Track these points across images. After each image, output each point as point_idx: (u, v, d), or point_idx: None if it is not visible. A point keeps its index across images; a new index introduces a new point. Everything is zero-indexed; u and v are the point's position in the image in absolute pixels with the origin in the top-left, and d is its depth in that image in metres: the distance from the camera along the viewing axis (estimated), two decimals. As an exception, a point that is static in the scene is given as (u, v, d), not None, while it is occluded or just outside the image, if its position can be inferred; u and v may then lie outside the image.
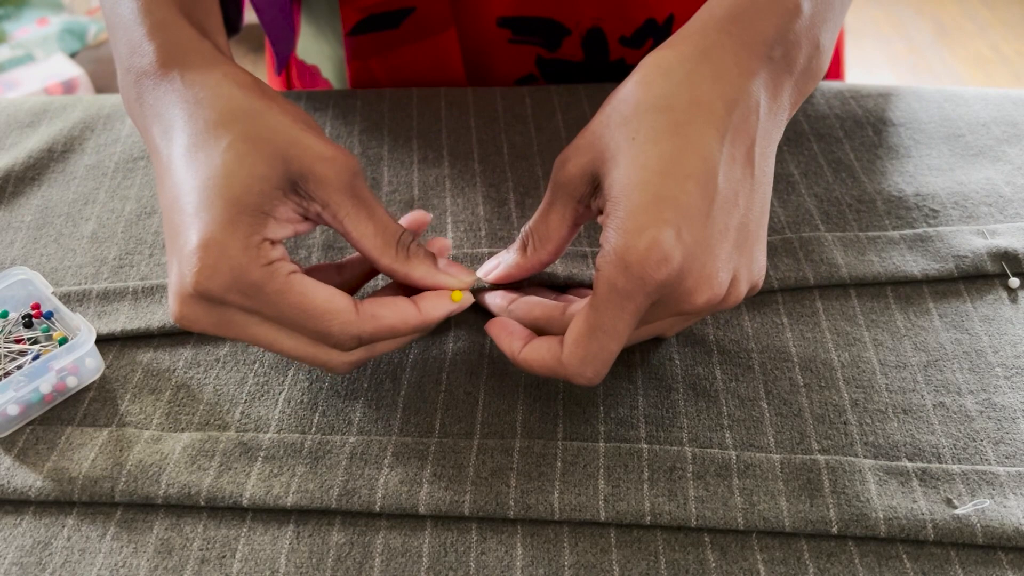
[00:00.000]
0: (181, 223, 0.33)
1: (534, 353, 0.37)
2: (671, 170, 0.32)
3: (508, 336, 0.38)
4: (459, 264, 0.39)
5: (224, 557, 0.35)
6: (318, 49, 0.65)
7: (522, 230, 0.39)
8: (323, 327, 0.34)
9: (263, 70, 0.75)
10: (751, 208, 0.34)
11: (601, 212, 0.34)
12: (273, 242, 0.34)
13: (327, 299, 0.34)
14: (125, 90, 0.38)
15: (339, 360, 0.36)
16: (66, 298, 0.45)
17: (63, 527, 0.36)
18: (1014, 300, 0.45)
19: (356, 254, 0.41)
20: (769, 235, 0.48)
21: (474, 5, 0.59)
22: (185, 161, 0.34)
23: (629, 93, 0.35)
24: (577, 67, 0.62)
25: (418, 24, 0.58)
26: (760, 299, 0.45)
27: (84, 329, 0.40)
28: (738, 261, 0.34)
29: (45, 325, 0.42)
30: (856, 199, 0.50)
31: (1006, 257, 0.46)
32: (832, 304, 0.45)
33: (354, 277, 0.41)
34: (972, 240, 0.47)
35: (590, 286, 0.42)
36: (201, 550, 0.36)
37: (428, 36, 0.59)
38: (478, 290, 0.40)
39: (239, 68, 0.37)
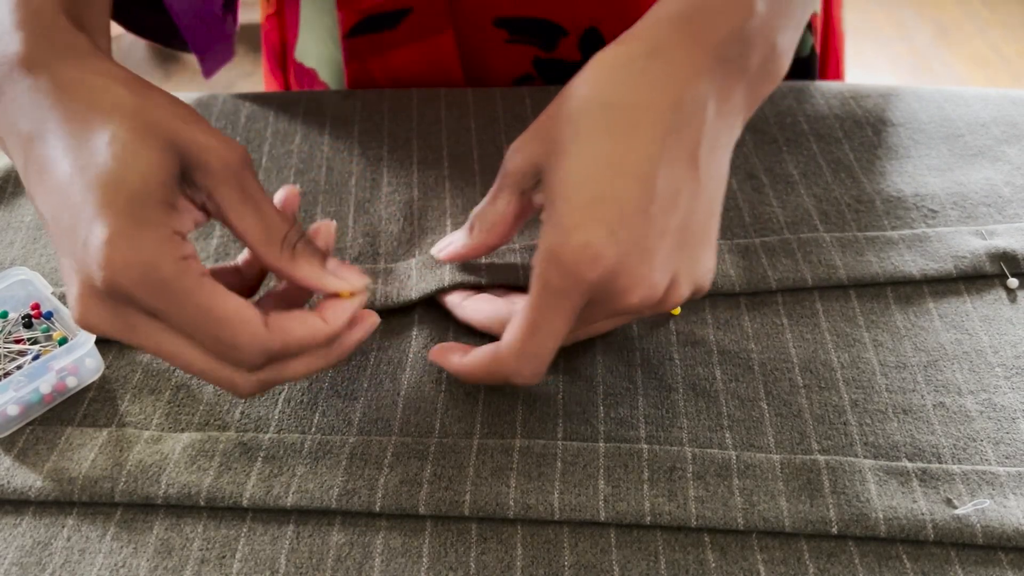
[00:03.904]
0: (79, 221, 0.31)
1: (474, 359, 0.37)
2: (610, 169, 0.32)
3: (448, 354, 0.39)
4: (351, 265, 0.37)
5: (224, 557, 0.35)
6: (316, 52, 0.65)
7: (471, 213, 0.40)
8: (230, 336, 0.31)
9: (262, 70, 0.75)
10: (694, 210, 0.34)
11: (543, 207, 0.34)
12: (183, 235, 0.32)
13: (237, 308, 0.32)
14: None
15: (245, 380, 0.34)
16: (66, 298, 0.45)
17: (63, 527, 0.37)
18: (1014, 300, 0.45)
19: (249, 255, 0.39)
20: (768, 235, 0.48)
21: (471, 5, 0.59)
22: (69, 159, 0.32)
23: (577, 89, 0.35)
24: (575, 68, 0.61)
25: (416, 25, 0.59)
26: (760, 300, 0.45)
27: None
28: (678, 263, 0.34)
29: (45, 325, 0.42)
30: (855, 199, 0.50)
31: (1004, 258, 0.46)
32: (832, 305, 0.45)
33: (252, 276, 0.39)
34: (971, 241, 0.47)
35: None
36: (201, 550, 0.36)
37: (426, 37, 0.59)
38: (439, 290, 0.42)
39: (114, 63, 0.35)
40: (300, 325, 0.34)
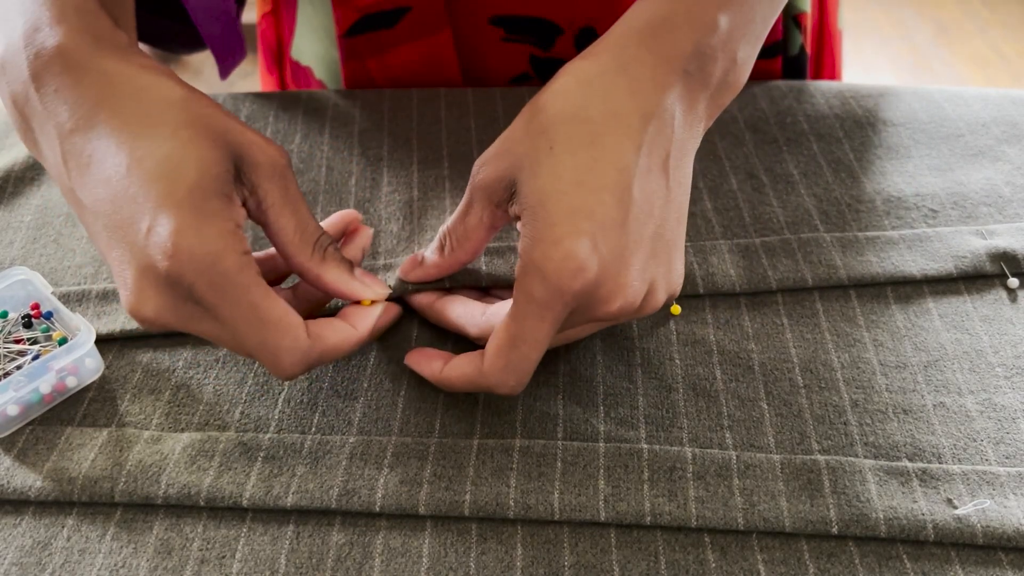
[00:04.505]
0: (138, 211, 0.32)
1: (455, 370, 0.38)
2: (587, 181, 0.33)
3: (427, 360, 0.40)
4: (374, 275, 0.39)
5: (224, 557, 0.35)
6: (311, 50, 0.66)
7: (440, 230, 0.40)
8: (275, 340, 0.33)
9: (258, 69, 0.75)
10: (667, 218, 0.35)
11: (518, 217, 0.35)
12: (242, 229, 0.33)
13: (285, 313, 0.33)
14: (9, 69, 0.35)
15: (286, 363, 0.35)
16: (66, 298, 0.45)
17: (63, 527, 0.36)
18: (1014, 300, 0.45)
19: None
20: (768, 235, 0.48)
21: (467, 4, 0.59)
22: (124, 151, 0.32)
23: (548, 102, 0.35)
24: None
25: (414, 24, 0.59)
26: (760, 300, 0.45)
27: (84, 329, 0.40)
28: (654, 269, 0.35)
29: (45, 325, 0.42)
30: (855, 199, 0.50)
31: (1005, 258, 0.46)
32: (832, 305, 0.45)
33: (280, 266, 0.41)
34: (971, 241, 0.47)
35: (511, 286, 0.42)
36: (201, 550, 0.36)
37: (424, 36, 0.59)
38: (404, 292, 0.42)
39: (155, 61, 0.36)
40: (334, 333, 0.36)
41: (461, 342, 0.43)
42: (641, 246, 0.34)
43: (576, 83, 0.35)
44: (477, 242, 0.39)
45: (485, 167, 0.36)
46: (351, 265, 0.38)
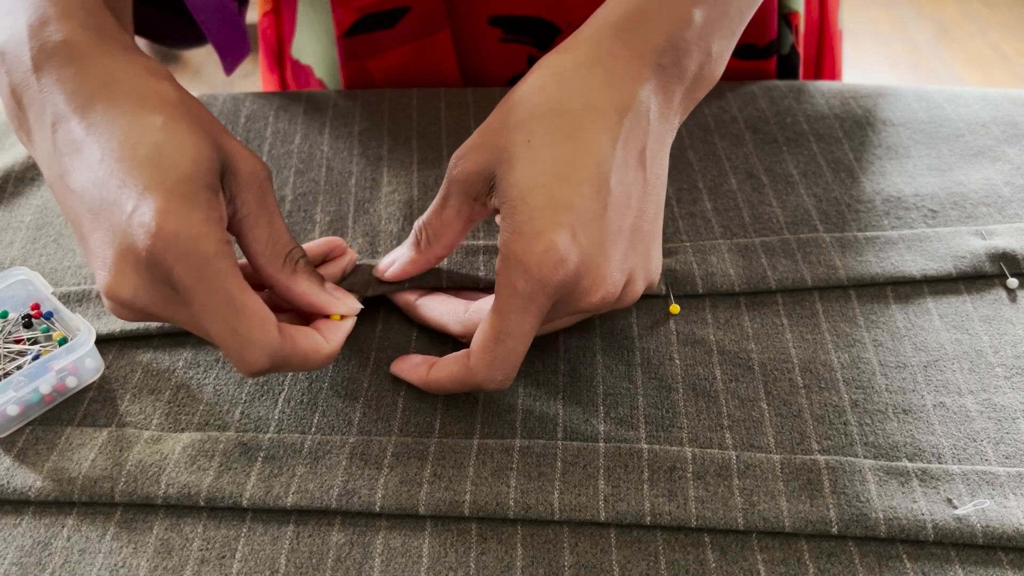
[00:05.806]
0: (125, 194, 0.32)
1: (442, 371, 0.38)
2: (566, 174, 0.33)
3: (412, 367, 0.40)
4: (345, 290, 0.39)
5: (224, 557, 0.35)
6: (312, 49, 0.66)
7: (415, 224, 0.40)
8: (246, 330, 0.33)
9: (258, 69, 0.75)
10: (645, 209, 0.36)
11: (497, 211, 0.35)
12: (225, 221, 0.34)
13: (259, 306, 0.33)
14: (10, 59, 0.35)
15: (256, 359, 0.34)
16: (66, 298, 0.45)
17: (63, 527, 0.36)
18: (1014, 300, 0.45)
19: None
20: (768, 235, 0.48)
21: (467, 4, 0.59)
22: (117, 138, 0.33)
23: (525, 96, 0.35)
24: None
25: (414, 24, 0.59)
26: (760, 300, 0.45)
27: (84, 329, 0.40)
28: (634, 260, 0.36)
29: (45, 325, 0.42)
30: (855, 199, 0.50)
31: (1004, 258, 0.46)
32: (832, 305, 0.45)
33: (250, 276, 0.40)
34: (970, 241, 0.47)
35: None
36: (201, 550, 0.36)
37: (423, 36, 0.59)
38: (386, 292, 0.42)
39: (157, 63, 0.37)
40: (306, 338, 0.36)
41: (461, 343, 0.43)
42: (620, 237, 0.35)
43: (553, 76, 0.36)
44: (453, 236, 0.39)
45: (462, 160, 0.36)
46: (322, 279, 0.38)
